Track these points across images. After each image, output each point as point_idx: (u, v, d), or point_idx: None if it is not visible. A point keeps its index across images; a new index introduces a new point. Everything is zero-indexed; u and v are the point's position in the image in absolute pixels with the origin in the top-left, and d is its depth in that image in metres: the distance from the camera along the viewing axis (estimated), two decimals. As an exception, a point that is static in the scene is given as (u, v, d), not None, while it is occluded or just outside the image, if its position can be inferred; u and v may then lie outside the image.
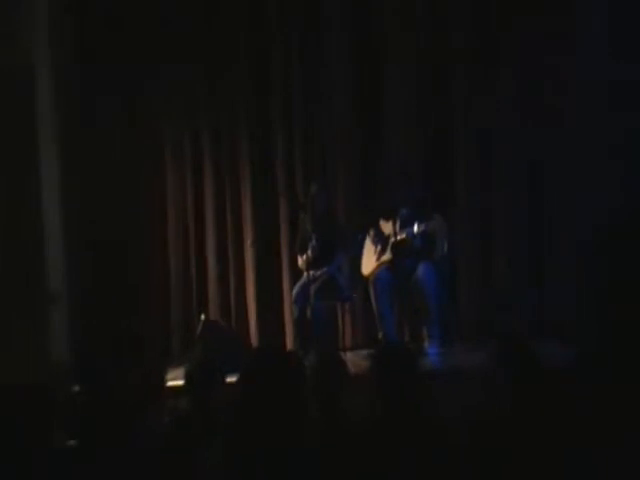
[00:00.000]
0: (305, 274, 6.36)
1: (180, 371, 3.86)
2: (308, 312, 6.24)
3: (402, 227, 6.09)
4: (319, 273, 6.34)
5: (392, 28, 6.84)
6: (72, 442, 2.95)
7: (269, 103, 7.11)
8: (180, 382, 3.67)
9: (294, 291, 6.48)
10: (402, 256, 6.10)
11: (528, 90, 6.52)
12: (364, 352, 6.20)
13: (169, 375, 3.85)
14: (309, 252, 6.31)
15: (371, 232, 6.32)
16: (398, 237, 6.09)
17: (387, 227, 6.24)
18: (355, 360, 5.86)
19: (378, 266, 6.21)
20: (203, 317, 6.64)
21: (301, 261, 6.44)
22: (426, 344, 6.05)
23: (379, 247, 6.24)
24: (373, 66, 6.89)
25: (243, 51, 7.13)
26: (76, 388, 3.31)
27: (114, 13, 7.07)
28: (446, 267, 6.22)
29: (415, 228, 5.93)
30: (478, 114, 6.63)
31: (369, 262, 6.29)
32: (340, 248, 6.39)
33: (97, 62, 7.03)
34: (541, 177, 6.56)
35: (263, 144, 7.13)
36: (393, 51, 6.84)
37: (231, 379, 3.28)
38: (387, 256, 6.17)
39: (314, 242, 6.32)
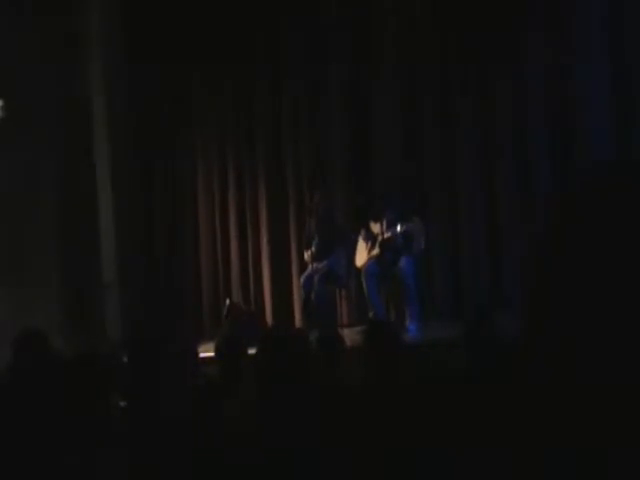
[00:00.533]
0: (310, 266, 6.39)
1: (210, 345, 3.84)
2: (312, 296, 6.26)
3: (388, 228, 6.02)
4: (321, 265, 6.32)
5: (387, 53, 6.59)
6: (123, 403, 2.94)
7: (282, 128, 7.10)
8: (210, 354, 3.67)
9: (301, 279, 6.49)
10: (388, 251, 6.08)
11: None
12: (357, 328, 6.17)
13: (201, 348, 3.83)
14: (313, 248, 6.35)
15: (363, 232, 6.26)
16: (385, 236, 6.07)
17: (376, 228, 6.18)
18: (350, 335, 5.79)
19: (368, 259, 6.17)
20: (228, 301, 6.68)
21: (307, 255, 6.46)
22: (407, 322, 6.01)
23: (369, 244, 6.19)
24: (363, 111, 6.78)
25: (262, 86, 7.08)
26: (125, 358, 3.28)
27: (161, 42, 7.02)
28: (423, 260, 6.21)
29: (398, 228, 5.91)
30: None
31: (361, 256, 6.25)
32: (338, 245, 6.36)
33: (144, 88, 7.00)
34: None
35: (277, 160, 7.13)
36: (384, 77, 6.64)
37: (251, 351, 3.28)
38: (376, 251, 6.12)
39: (317, 240, 6.33)
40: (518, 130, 6.25)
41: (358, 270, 6.29)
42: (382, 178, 6.67)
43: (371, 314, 6.13)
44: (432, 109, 6.51)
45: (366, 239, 6.24)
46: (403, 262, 6.02)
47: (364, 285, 6.17)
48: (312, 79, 6.89)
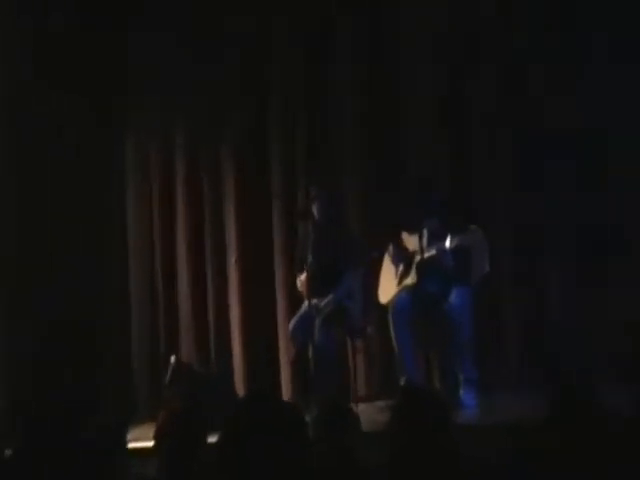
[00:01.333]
0: (306, 301, 6.39)
1: (148, 429, 3.88)
2: (310, 351, 6.26)
3: (430, 242, 6.05)
4: (324, 301, 6.36)
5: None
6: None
7: (262, 86, 7.24)
8: (148, 443, 3.68)
9: (292, 323, 6.53)
10: (430, 279, 6.09)
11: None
12: (382, 403, 6.21)
13: (133, 434, 3.86)
14: (310, 273, 6.36)
15: (391, 248, 6.33)
16: (425, 254, 6.05)
17: (411, 242, 6.22)
18: (370, 414, 5.87)
19: (399, 292, 6.21)
20: (173, 359, 6.70)
21: (300, 284, 6.51)
22: (461, 391, 6.04)
23: (401, 267, 6.24)
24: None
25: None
26: (9, 452, 3.34)
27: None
28: (486, 293, 6.25)
29: (447, 243, 5.88)
30: (513, 107, 6.75)
31: (388, 287, 6.29)
32: (350, 268, 6.39)
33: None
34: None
35: (253, 134, 7.24)
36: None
37: (212, 439, 3.31)
38: (411, 279, 6.15)
39: (316, 260, 6.39)
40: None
41: (383, 309, 6.32)
42: (417, 164, 6.81)
43: (403, 379, 6.15)
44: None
45: (396, 260, 6.31)
46: (455, 296, 6.04)
47: (392, 333, 6.18)
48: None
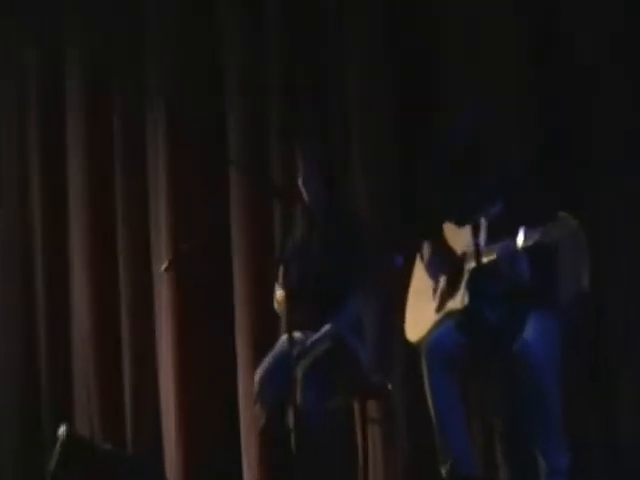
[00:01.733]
0: (285, 335, 6.44)
1: None
2: (290, 417, 6.26)
3: (491, 239, 6.04)
4: (315, 336, 6.47)
5: None
6: None
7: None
8: None
9: (259, 372, 6.56)
10: (491, 300, 6.06)
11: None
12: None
13: None
14: (295, 284, 6.47)
15: (425, 250, 6.39)
16: (483, 259, 5.98)
17: (459, 239, 6.25)
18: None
19: (441, 322, 6.20)
20: (63, 431, 6.64)
21: (278, 304, 6.72)
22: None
23: (442, 282, 6.28)
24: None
25: None
26: None
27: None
28: (585, 322, 6.31)
29: (519, 239, 5.78)
30: None
31: (422, 314, 6.35)
32: (358, 282, 6.55)
33: None
34: None
35: (196, 63, 7.57)
36: None
37: None
38: (459, 300, 6.14)
39: (298, 267, 6.59)
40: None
41: (412, 350, 6.36)
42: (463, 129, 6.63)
43: (446, 466, 6.10)
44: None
45: (434, 269, 6.40)
46: (532, 328, 5.97)
47: (429, 389, 6.11)
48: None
